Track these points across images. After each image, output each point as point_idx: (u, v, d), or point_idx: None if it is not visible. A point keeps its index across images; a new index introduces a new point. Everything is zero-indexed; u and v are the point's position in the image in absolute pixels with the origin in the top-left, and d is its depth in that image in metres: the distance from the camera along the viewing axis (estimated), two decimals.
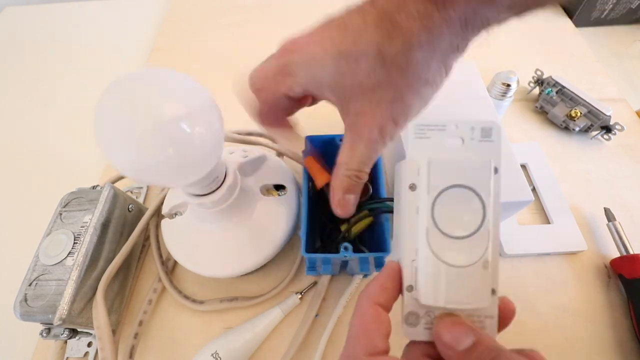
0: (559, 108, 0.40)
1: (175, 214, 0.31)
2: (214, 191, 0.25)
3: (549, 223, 0.34)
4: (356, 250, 0.24)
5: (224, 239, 0.28)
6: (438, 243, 0.15)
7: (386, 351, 0.15)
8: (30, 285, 0.25)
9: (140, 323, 0.30)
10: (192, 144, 0.19)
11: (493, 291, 0.15)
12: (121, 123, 0.18)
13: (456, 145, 0.15)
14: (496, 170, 0.15)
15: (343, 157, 0.20)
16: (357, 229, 0.26)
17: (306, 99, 0.23)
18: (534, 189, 0.36)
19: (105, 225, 0.28)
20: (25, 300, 0.25)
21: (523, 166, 0.37)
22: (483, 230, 0.15)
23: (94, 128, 0.18)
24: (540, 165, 0.37)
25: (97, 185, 0.31)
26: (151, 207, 0.32)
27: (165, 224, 0.30)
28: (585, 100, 0.38)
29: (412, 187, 0.16)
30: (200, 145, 0.19)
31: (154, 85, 0.18)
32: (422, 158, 0.15)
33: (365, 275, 0.30)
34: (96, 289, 0.27)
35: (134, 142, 0.18)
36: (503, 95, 0.36)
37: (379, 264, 0.23)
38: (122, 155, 0.18)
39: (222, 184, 0.25)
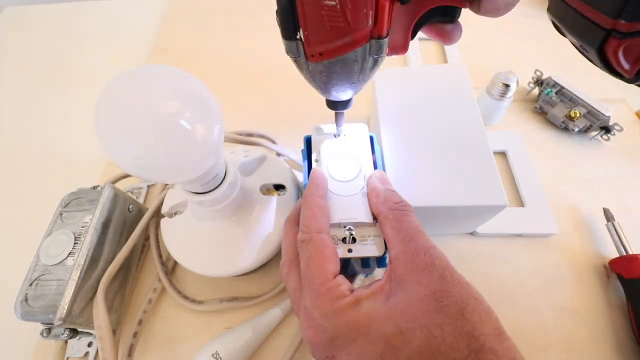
0: (558, 108, 0.40)
1: (175, 213, 0.31)
2: (214, 189, 0.25)
3: (522, 206, 0.35)
4: None
5: (223, 238, 0.28)
6: (332, 184, 0.24)
7: (327, 231, 0.21)
8: (30, 285, 0.25)
9: (140, 322, 0.30)
10: (192, 140, 0.19)
11: (375, 218, 0.22)
12: (121, 118, 0.18)
13: (340, 137, 0.27)
14: (366, 148, 0.26)
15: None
16: None
17: None
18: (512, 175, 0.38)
19: (105, 226, 0.28)
20: (26, 300, 0.25)
21: (503, 153, 0.39)
22: (359, 176, 0.24)
23: (95, 123, 0.18)
24: (519, 152, 0.38)
25: (98, 186, 0.31)
26: (151, 207, 0.32)
27: (164, 223, 0.30)
28: (584, 101, 0.38)
29: (316, 160, 0.26)
30: (200, 142, 0.19)
31: (154, 81, 0.19)
32: (319, 143, 0.26)
33: (367, 275, 0.30)
34: (96, 289, 0.27)
35: (134, 137, 0.18)
36: (502, 96, 0.36)
37: (381, 262, 0.23)
38: (123, 151, 0.18)
39: (222, 182, 0.25)
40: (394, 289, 0.18)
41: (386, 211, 0.21)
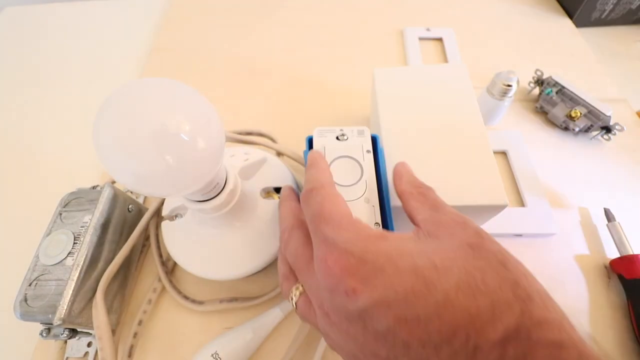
0: (559, 108, 0.40)
1: (176, 216, 0.31)
2: (214, 197, 0.24)
3: (523, 206, 0.35)
4: None
5: (224, 242, 0.28)
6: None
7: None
8: (30, 285, 0.25)
9: (140, 323, 0.30)
10: (192, 156, 0.19)
11: (377, 224, 0.22)
12: (120, 134, 0.17)
13: (343, 138, 0.26)
14: (368, 151, 0.25)
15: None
16: None
17: None
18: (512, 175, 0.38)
19: (105, 226, 0.28)
20: (25, 300, 0.25)
21: (503, 153, 0.39)
22: (361, 181, 0.23)
23: (93, 138, 0.18)
24: (520, 152, 0.38)
25: (97, 186, 0.31)
26: (151, 207, 0.32)
27: (165, 226, 0.30)
28: (585, 101, 0.38)
29: None
30: (200, 157, 0.19)
31: (153, 96, 0.18)
32: (321, 145, 0.25)
33: None
34: (96, 289, 0.27)
35: (132, 153, 0.17)
36: (503, 96, 0.36)
37: None
38: (121, 167, 0.18)
39: (222, 189, 0.25)
40: (424, 239, 0.17)
41: (410, 188, 0.20)
